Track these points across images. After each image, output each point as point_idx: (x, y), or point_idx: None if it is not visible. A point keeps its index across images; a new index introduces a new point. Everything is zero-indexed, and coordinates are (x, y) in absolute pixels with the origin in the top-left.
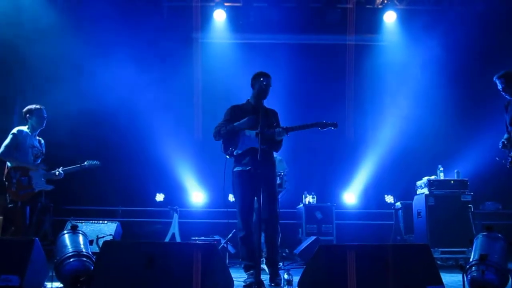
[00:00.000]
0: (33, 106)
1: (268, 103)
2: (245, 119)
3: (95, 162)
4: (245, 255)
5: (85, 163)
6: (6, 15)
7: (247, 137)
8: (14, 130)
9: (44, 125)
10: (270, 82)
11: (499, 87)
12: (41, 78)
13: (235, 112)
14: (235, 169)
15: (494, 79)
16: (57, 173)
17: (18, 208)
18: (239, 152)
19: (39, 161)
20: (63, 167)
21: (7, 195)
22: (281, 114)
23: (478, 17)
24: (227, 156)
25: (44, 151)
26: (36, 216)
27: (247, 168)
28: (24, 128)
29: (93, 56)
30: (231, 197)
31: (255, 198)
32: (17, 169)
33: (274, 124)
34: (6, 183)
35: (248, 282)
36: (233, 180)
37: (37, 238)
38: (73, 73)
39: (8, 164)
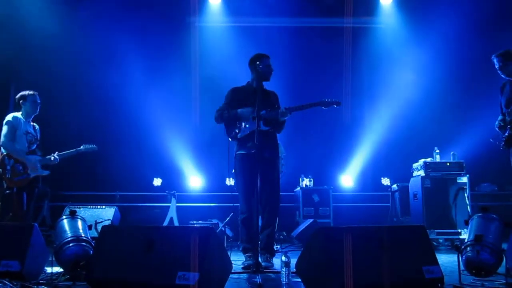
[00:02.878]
0: (26, 92)
1: (266, 85)
2: (249, 108)
3: (91, 146)
4: (244, 237)
5: (81, 147)
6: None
7: (251, 120)
8: (9, 117)
9: (38, 110)
10: (270, 62)
11: (496, 65)
12: (37, 64)
13: (237, 94)
14: (238, 152)
15: (492, 58)
16: (52, 158)
17: (14, 194)
18: (243, 135)
19: (34, 147)
20: (59, 152)
21: (3, 181)
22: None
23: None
24: (230, 139)
25: (39, 137)
26: (33, 202)
27: (252, 151)
28: (18, 115)
29: (88, 41)
30: (228, 181)
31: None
32: (11, 157)
33: (276, 106)
34: (0, 170)
35: (246, 264)
36: (236, 163)
37: (36, 224)
38: (69, 59)
39: (3, 151)
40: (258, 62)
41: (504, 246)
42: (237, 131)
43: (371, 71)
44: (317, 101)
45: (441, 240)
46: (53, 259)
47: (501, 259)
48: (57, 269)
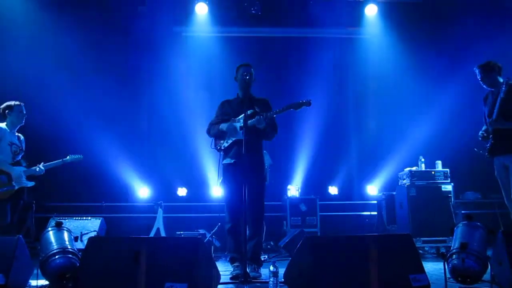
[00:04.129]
0: (12, 102)
1: (258, 93)
2: (229, 123)
3: (77, 156)
4: (231, 247)
5: (67, 157)
6: None
7: (232, 130)
8: None
9: (24, 121)
10: (251, 71)
11: (478, 76)
12: (21, 74)
13: (224, 107)
14: (223, 162)
15: (474, 69)
16: (37, 169)
17: None
18: (226, 145)
19: (19, 158)
20: (44, 163)
21: None
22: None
23: (459, 10)
24: (217, 150)
25: (24, 148)
26: (18, 214)
27: (233, 161)
28: (3, 125)
29: (74, 50)
30: (215, 191)
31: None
32: None
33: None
34: None
35: (234, 274)
36: (222, 173)
37: (21, 236)
38: (54, 68)
39: None
40: (237, 73)
41: (489, 253)
42: (221, 142)
43: (357, 81)
44: (288, 105)
45: (427, 248)
46: (39, 271)
47: (486, 266)
48: (43, 281)
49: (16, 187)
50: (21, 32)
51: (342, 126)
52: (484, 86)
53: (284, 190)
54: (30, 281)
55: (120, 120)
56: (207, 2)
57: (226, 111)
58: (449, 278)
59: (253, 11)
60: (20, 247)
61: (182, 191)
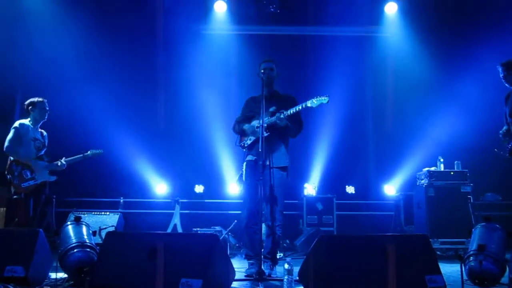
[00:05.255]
0: (35, 99)
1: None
2: (252, 123)
3: (98, 151)
4: (248, 244)
5: (88, 152)
6: (7, 10)
7: (254, 128)
8: (16, 124)
9: (46, 117)
10: (271, 66)
11: (501, 74)
12: (43, 70)
13: (249, 104)
14: (246, 159)
15: (496, 66)
16: (59, 163)
17: (21, 199)
18: (249, 142)
19: (42, 153)
20: (66, 158)
21: (11, 187)
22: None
23: (480, 8)
24: (242, 148)
25: (46, 143)
26: (40, 208)
27: (254, 158)
28: (26, 121)
29: (93, 47)
30: (232, 188)
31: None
32: (19, 163)
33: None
34: (9, 176)
35: (249, 272)
36: (245, 169)
37: (41, 229)
38: (74, 65)
39: (10, 157)
40: (259, 69)
41: (508, 256)
42: (245, 139)
43: (376, 80)
44: (307, 102)
45: (444, 249)
46: (58, 264)
47: (504, 269)
48: (62, 274)
49: (39, 181)
50: (42, 29)
51: (360, 124)
52: (507, 84)
53: (301, 189)
54: (50, 273)
55: (139, 117)
56: (225, 0)
57: (251, 108)
58: (466, 280)
59: (272, 9)
60: (40, 240)
61: (199, 188)
